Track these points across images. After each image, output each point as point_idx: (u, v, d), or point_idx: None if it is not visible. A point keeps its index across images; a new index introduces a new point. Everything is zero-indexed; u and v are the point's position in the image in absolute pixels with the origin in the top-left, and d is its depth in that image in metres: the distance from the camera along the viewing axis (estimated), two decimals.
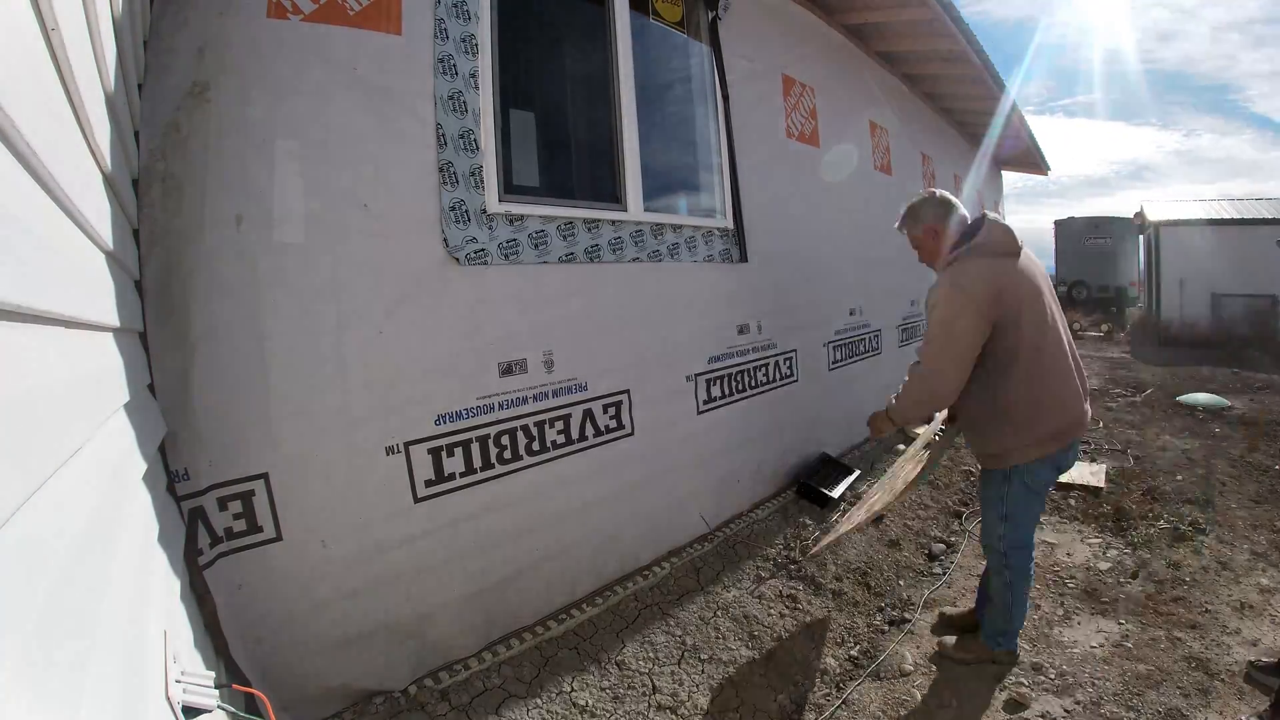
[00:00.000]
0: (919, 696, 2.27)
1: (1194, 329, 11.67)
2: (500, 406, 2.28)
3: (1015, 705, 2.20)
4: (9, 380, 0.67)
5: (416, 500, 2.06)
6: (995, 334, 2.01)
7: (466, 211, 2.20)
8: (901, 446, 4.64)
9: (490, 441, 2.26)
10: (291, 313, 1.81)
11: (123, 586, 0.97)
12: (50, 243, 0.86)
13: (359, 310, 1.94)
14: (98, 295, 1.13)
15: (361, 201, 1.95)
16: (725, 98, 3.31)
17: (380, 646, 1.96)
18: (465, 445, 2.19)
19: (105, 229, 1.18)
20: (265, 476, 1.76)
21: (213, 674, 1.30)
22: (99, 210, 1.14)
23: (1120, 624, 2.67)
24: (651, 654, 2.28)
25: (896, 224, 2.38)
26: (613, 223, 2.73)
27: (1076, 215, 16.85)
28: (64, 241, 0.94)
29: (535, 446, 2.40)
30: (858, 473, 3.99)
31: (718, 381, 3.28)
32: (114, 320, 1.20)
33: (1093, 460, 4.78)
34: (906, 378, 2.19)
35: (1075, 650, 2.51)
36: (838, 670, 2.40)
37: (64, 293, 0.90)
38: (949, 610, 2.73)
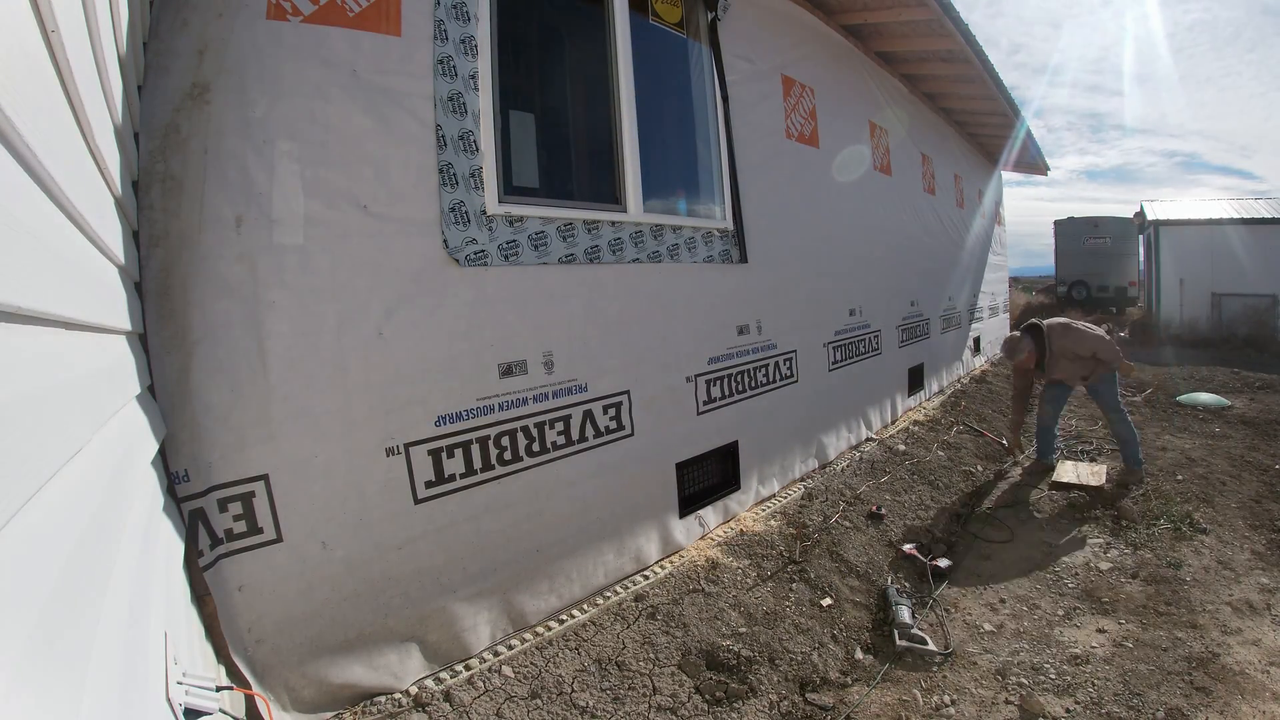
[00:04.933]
0: (918, 696, 2.27)
1: (1194, 328, 11.68)
2: (500, 407, 2.28)
3: (1029, 715, 2.19)
4: (21, 380, 0.67)
5: (417, 501, 2.06)
6: None
7: (466, 213, 2.20)
8: (902, 443, 4.63)
9: (490, 442, 2.26)
10: (291, 314, 1.81)
11: (123, 587, 0.97)
12: (70, 258, 0.87)
13: (359, 311, 1.94)
14: (110, 302, 1.14)
15: (361, 203, 1.95)
16: (725, 99, 3.32)
17: (381, 647, 1.96)
18: (465, 446, 2.19)
19: (117, 244, 1.20)
20: (265, 478, 1.76)
21: (214, 676, 1.30)
22: (111, 228, 1.16)
23: (1120, 624, 2.68)
24: (652, 654, 2.28)
25: None
26: (612, 224, 2.74)
27: (1076, 215, 16.86)
28: (81, 256, 0.96)
29: (535, 447, 2.40)
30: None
31: (718, 382, 3.28)
32: (125, 324, 1.21)
33: (1093, 460, 4.78)
34: None
35: (1076, 649, 2.51)
36: (839, 671, 2.40)
37: (85, 301, 0.92)
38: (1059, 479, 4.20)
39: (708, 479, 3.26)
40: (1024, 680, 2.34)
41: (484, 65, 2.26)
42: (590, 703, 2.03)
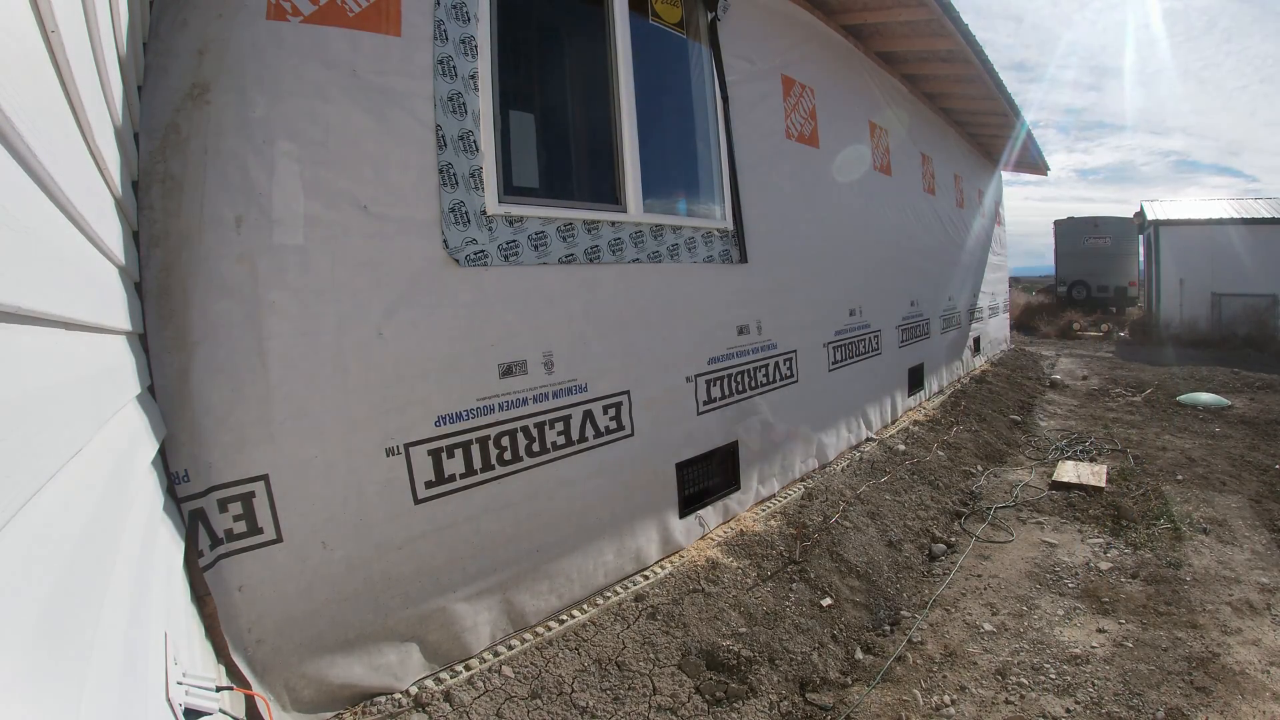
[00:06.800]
0: (918, 696, 2.27)
1: (1194, 328, 11.69)
2: (500, 408, 2.28)
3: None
4: (22, 380, 0.67)
5: (417, 501, 2.06)
6: None
7: (466, 213, 2.20)
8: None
9: (490, 443, 2.26)
10: (291, 314, 1.81)
11: (123, 587, 0.97)
12: (70, 259, 0.88)
13: (359, 311, 1.94)
14: (110, 302, 1.14)
15: (361, 203, 1.95)
16: (725, 99, 3.32)
17: (381, 647, 1.96)
18: (465, 446, 2.19)
19: (117, 245, 1.20)
20: (265, 478, 1.76)
21: (214, 676, 1.30)
22: (111, 229, 1.17)
23: (1120, 624, 2.68)
24: (652, 654, 2.28)
25: None
26: (612, 224, 2.74)
27: (1074, 215, 16.89)
28: (81, 257, 0.97)
29: (535, 448, 2.40)
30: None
31: (718, 382, 3.28)
32: (125, 324, 1.21)
33: (1093, 460, 4.78)
34: None
35: (1076, 649, 2.51)
36: (839, 671, 2.40)
37: (86, 301, 0.92)
38: None
39: (708, 479, 3.26)
40: (1024, 680, 2.34)
41: (484, 65, 2.26)
42: (590, 703, 2.03)
